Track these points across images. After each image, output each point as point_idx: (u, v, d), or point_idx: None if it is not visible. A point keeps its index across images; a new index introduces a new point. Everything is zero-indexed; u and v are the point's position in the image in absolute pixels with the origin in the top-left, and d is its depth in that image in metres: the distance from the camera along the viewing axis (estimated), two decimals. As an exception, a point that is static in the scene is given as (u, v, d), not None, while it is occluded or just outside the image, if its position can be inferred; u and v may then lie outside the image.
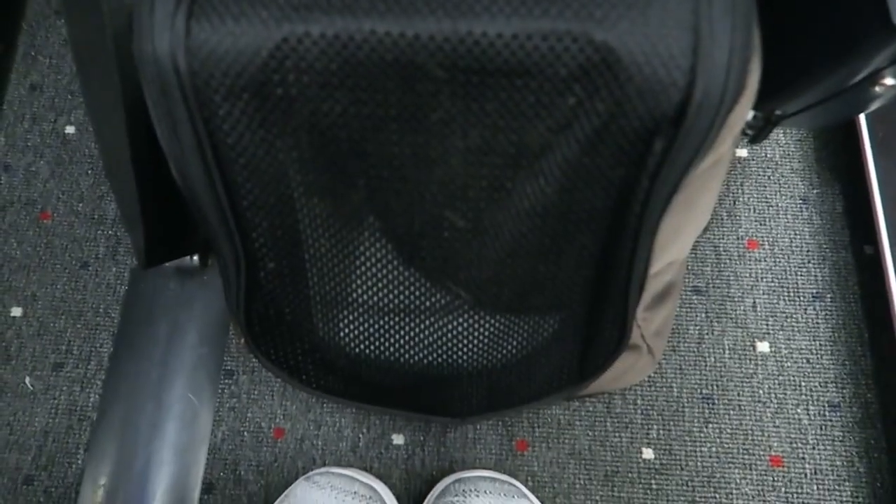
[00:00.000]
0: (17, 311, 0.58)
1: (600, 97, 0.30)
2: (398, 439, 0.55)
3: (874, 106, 0.43)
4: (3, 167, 0.63)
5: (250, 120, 0.32)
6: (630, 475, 0.54)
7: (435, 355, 0.48)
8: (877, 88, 0.39)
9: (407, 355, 0.48)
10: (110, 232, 0.60)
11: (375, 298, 0.44)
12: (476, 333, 0.45)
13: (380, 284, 0.43)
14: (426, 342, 0.47)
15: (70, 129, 0.64)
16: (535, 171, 0.34)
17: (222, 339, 0.56)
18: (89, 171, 0.63)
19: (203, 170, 0.33)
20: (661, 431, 0.55)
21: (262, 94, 0.31)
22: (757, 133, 0.43)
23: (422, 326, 0.46)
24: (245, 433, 0.55)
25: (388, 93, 0.31)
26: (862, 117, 0.61)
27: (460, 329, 0.46)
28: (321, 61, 0.30)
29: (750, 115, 0.43)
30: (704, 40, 0.28)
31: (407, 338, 0.47)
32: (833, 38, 0.36)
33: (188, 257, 0.57)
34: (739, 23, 0.29)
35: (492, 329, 0.45)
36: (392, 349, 0.48)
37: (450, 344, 0.46)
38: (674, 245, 0.44)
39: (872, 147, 0.59)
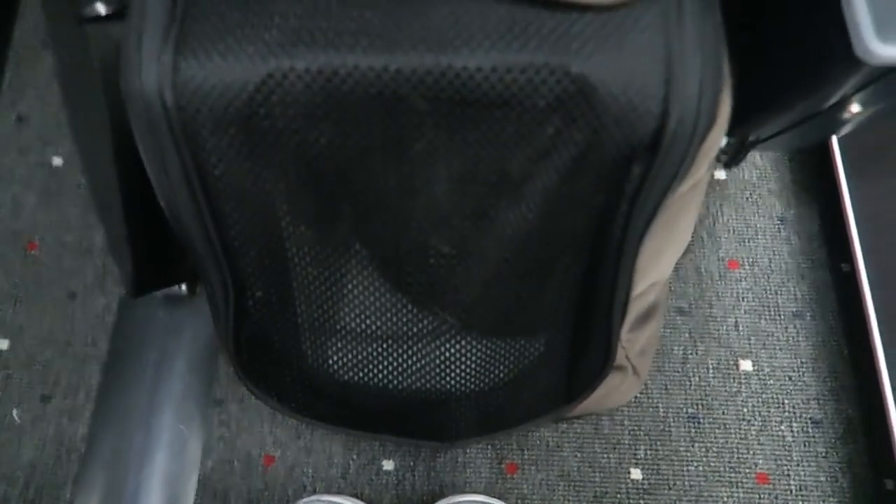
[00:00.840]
0: (3, 344, 0.58)
1: (578, 127, 0.31)
2: (388, 465, 0.55)
3: (845, 130, 0.45)
4: (-10, 199, 0.63)
5: (237, 152, 0.32)
6: (619, 496, 0.54)
7: (423, 380, 0.48)
8: (845, 115, 0.40)
9: (396, 381, 0.48)
10: (98, 262, 0.61)
11: (364, 325, 0.45)
12: (463, 358, 0.46)
13: (368, 311, 0.44)
14: (414, 367, 0.48)
15: (58, 161, 0.64)
16: (517, 198, 0.35)
17: (211, 368, 0.57)
18: (77, 202, 0.63)
19: (191, 200, 0.34)
20: (648, 451, 0.56)
21: (248, 128, 0.31)
22: (732, 157, 0.45)
23: (410, 352, 0.47)
24: (235, 461, 0.55)
25: (372, 124, 0.32)
26: (834, 140, 0.63)
27: (448, 354, 0.46)
28: (306, 95, 0.31)
29: (724, 140, 0.45)
30: (677, 72, 0.29)
31: (395, 363, 0.47)
32: (801, 67, 0.38)
33: (176, 286, 0.57)
34: (709, 55, 0.30)
35: (479, 353, 0.46)
36: (381, 375, 0.48)
37: (438, 369, 0.46)
38: (656, 266, 0.45)
39: (845, 168, 0.61)
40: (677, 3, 0.30)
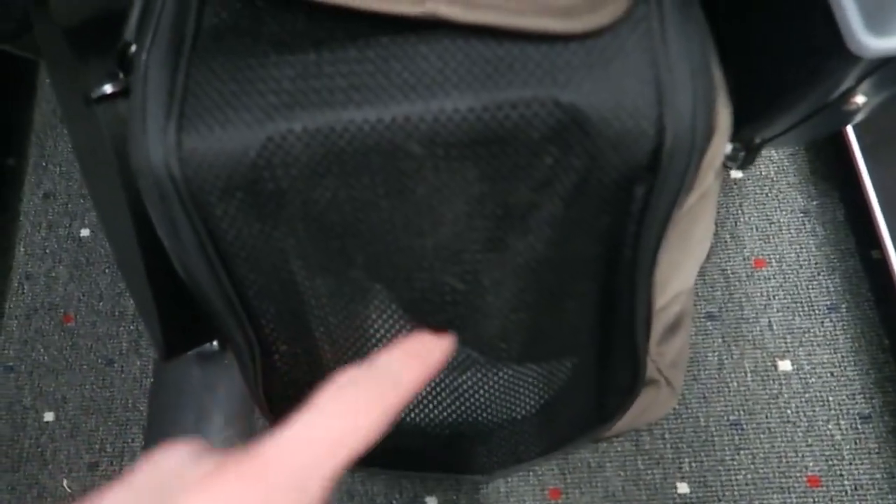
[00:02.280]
0: (49, 416, 0.60)
1: (575, 154, 0.31)
2: (431, 501, 0.55)
3: (854, 121, 0.44)
4: (25, 276, 0.65)
5: (246, 216, 0.33)
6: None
7: (455, 414, 0.48)
8: (851, 107, 0.40)
9: (428, 417, 0.49)
10: (132, 327, 0.62)
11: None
12: (492, 388, 0.46)
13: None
14: (446, 402, 0.48)
15: (85, 232, 0.67)
16: (523, 229, 0.35)
17: (249, 420, 0.57)
18: (106, 271, 0.65)
19: (207, 266, 0.34)
20: (693, 464, 0.55)
21: (254, 191, 0.32)
22: (742, 161, 0.44)
23: (440, 388, 0.47)
24: (279, 512, 0.55)
25: (373, 174, 0.32)
26: (849, 127, 0.61)
27: (476, 386, 0.46)
28: (306, 154, 0.31)
29: (729, 147, 0.44)
30: (666, 89, 0.29)
31: (426, 400, 0.47)
32: (797, 66, 0.37)
33: (207, 343, 0.59)
34: (698, 66, 0.30)
35: (506, 382, 0.45)
36: (413, 413, 0.48)
37: (469, 401, 0.46)
38: (676, 278, 0.44)
39: (863, 154, 0.60)
40: (659, 18, 0.30)
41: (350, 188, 0.33)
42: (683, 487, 0.54)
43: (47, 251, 0.66)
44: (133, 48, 0.36)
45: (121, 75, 0.39)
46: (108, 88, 0.40)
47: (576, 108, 0.30)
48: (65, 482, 0.57)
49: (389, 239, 0.35)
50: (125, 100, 0.41)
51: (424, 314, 0.40)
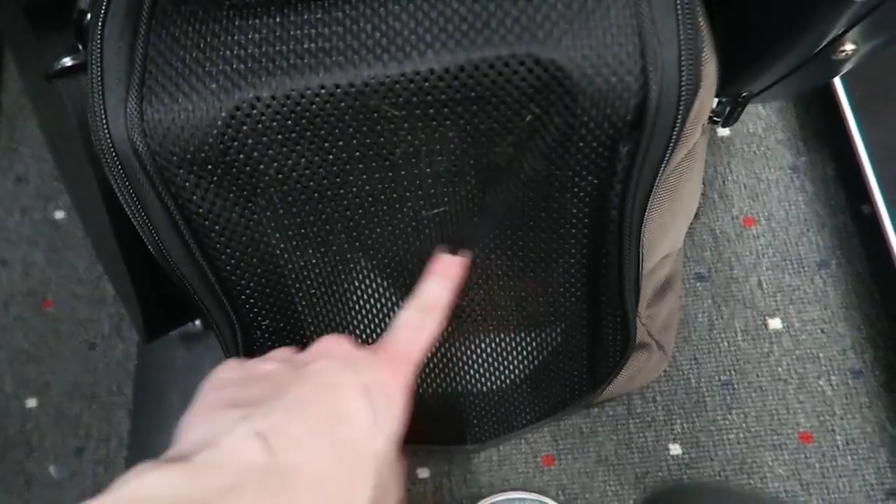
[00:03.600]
0: (32, 402, 0.59)
1: (556, 111, 0.30)
2: (423, 473, 0.54)
3: (843, 70, 0.43)
4: (2, 262, 0.63)
5: (218, 188, 0.32)
6: (660, 474, 0.53)
7: (445, 383, 0.48)
8: (840, 56, 0.38)
9: (420, 389, 0.48)
10: (112, 310, 0.61)
11: (376, 335, 0.44)
12: (482, 355, 0.45)
13: (376, 320, 0.43)
14: (434, 371, 0.47)
15: (60, 215, 0.65)
16: (507, 188, 0.34)
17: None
18: (83, 254, 0.63)
19: (180, 243, 0.33)
20: (685, 425, 0.54)
21: (225, 162, 0.31)
22: (727, 117, 0.43)
23: (429, 358, 0.46)
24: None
25: (348, 138, 0.31)
26: (837, 79, 0.60)
27: (464, 353, 0.45)
28: (276, 122, 0.30)
29: (715, 102, 0.43)
30: (650, 41, 0.28)
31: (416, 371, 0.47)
32: (787, 12, 0.36)
33: (190, 323, 0.57)
34: (684, 18, 0.29)
35: (496, 349, 0.45)
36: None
37: (456, 369, 0.46)
38: (664, 240, 0.43)
39: (852, 107, 0.59)
40: None
41: (325, 153, 0.31)
42: (676, 449, 0.54)
43: (22, 235, 0.64)
44: (88, 17, 0.34)
45: (80, 47, 0.37)
46: (67, 62, 0.39)
47: (556, 64, 0.28)
48: (51, 469, 0.57)
49: (368, 202, 0.34)
50: (85, 73, 0.39)
51: (410, 278, 0.39)
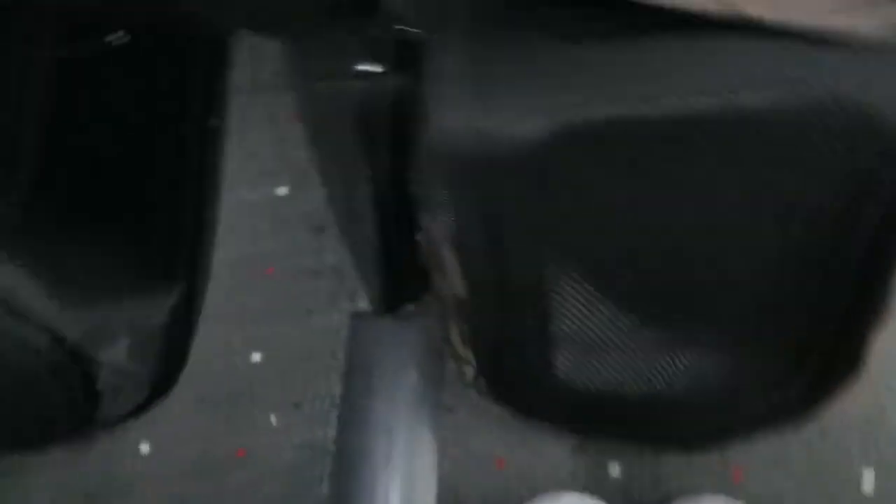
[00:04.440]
0: (256, 357, 0.66)
1: (865, 156, 0.32)
2: (614, 468, 0.58)
3: None
4: (230, 228, 0.71)
5: (530, 198, 0.36)
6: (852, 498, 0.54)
7: (657, 387, 0.50)
8: None
9: (629, 387, 0.51)
10: (328, 283, 0.67)
11: (604, 339, 0.47)
12: (704, 371, 0.47)
13: (609, 327, 0.46)
14: (648, 376, 0.50)
15: (283, 191, 0.72)
16: (791, 221, 0.36)
17: (440, 377, 0.62)
18: (302, 228, 0.70)
19: (486, 242, 0.37)
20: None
21: (541, 176, 0.35)
22: None
23: (643, 362, 0.49)
24: (469, 463, 0.59)
25: (656, 164, 0.34)
26: None
27: (684, 366, 0.48)
28: (597, 146, 0.33)
29: None
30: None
31: (630, 372, 0.50)
32: None
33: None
34: None
35: (720, 368, 0.47)
36: (614, 381, 0.51)
37: (683, 379, 0.48)
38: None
39: None
40: None
41: (633, 178, 0.34)
42: (869, 478, 0.54)
43: (249, 206, 0.72)
44: (398, 27, 0.38)
45: (382, 54, 0.42)
46: (364, 67, 0.43)
47: (872, 108, 0.30)
48: (272, 417, 0.64)
49: (654, 232, 0.37)
50: (381, 77, 0.44)
51: (666, 299, 0.41)
